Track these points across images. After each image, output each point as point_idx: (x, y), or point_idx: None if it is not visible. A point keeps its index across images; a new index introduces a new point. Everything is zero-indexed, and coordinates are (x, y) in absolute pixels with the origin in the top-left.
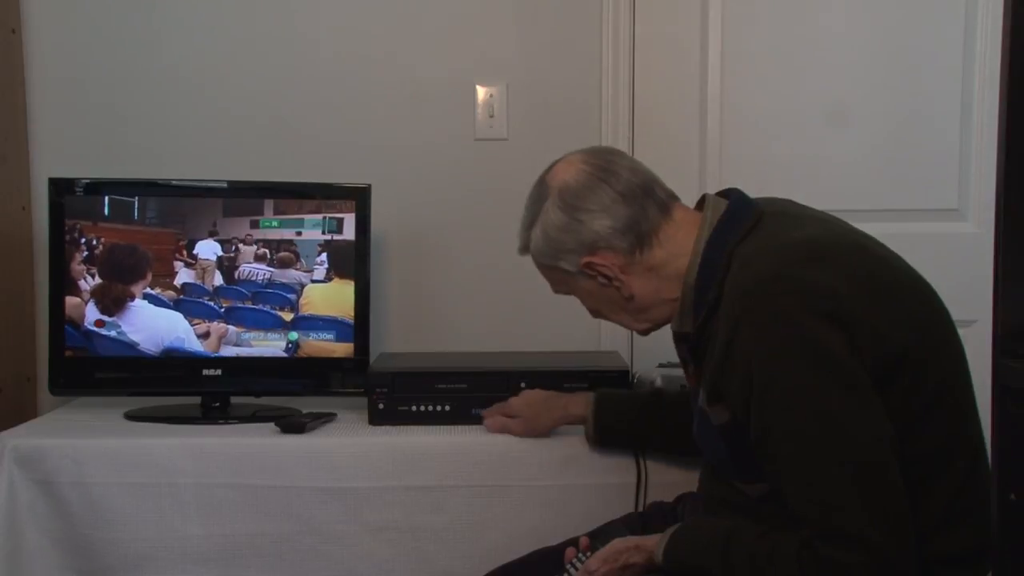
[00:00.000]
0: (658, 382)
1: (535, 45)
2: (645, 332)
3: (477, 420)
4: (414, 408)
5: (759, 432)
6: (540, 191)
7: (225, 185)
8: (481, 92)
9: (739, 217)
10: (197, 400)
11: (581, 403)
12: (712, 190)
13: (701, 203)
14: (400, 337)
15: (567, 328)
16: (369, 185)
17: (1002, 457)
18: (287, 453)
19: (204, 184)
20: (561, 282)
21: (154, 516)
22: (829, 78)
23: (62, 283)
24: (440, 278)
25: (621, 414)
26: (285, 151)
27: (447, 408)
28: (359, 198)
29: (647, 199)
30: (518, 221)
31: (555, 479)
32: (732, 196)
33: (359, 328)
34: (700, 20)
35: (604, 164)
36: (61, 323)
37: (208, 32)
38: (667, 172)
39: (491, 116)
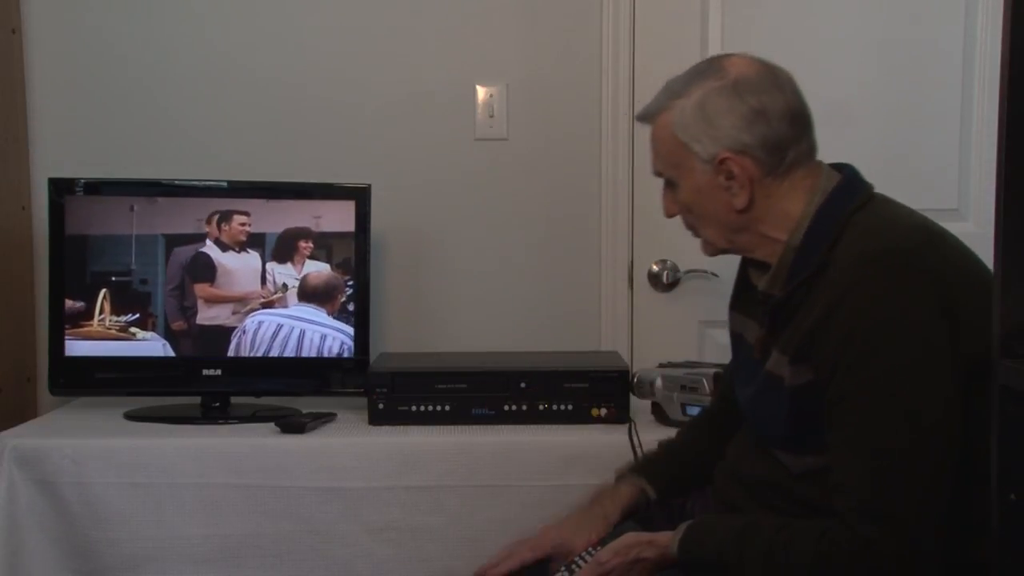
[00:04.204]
0: (658, 382)
1: (535, 45)
2: (714, 253)
3: (477, 420)
4: (414, 408)
5: (836, 395)
6: (712, 69)
7: (225, 185)
8: (481, 92)
9: (854, 189)
10: (197, 400)
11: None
12: None
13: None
14: (400, 337)
15: (567, 328)
16: (369, 185)
17: (1002, 457)
18: (287, 453)
19: (204, 184)
20: (674, 165)
21: (154, 516)
22: (829, 78)
23: (62, 283)
24: (440, 278)
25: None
26: (285, 151)
27: (447, 408)
28: (359, 198)
29: (805, 132)
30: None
31: (555, 479)
32: (846, 170)
33: (359, 328)
34: (700, 20)
35: (778, 80)
36: (61, 323)
37: (208, 32)
38: None
39: (491, 116)
